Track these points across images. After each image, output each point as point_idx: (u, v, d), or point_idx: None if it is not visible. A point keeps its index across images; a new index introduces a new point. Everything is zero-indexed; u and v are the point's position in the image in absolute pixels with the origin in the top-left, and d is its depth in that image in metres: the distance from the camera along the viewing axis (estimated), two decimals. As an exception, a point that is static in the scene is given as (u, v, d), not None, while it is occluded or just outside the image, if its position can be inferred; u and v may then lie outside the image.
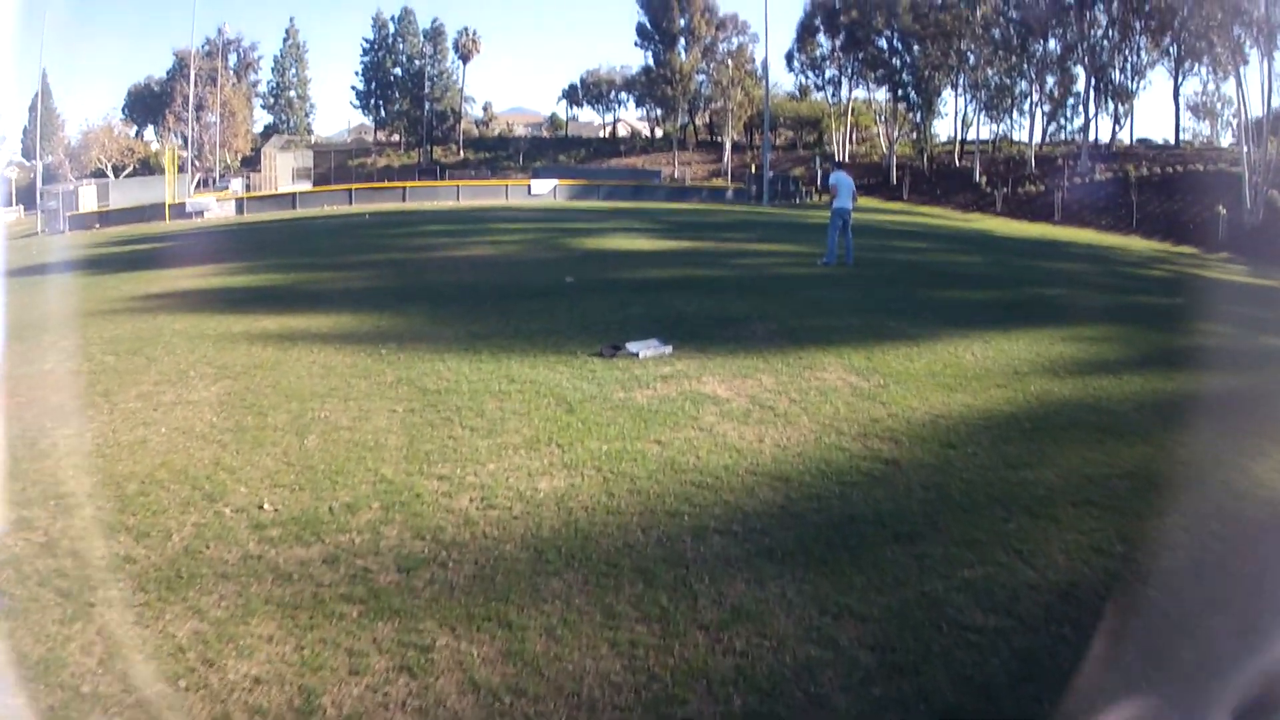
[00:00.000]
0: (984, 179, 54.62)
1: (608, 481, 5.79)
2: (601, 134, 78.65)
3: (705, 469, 6.03)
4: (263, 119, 72.58)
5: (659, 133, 73.27)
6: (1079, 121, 55.00)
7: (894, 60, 60.01)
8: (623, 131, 77.94)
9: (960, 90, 58.85)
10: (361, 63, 71.44)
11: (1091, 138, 54.39)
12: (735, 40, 67.27)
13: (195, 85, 59.26)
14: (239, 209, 43.06)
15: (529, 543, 4.91)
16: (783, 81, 72.26)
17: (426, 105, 70.60)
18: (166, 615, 4.12)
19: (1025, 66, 55.10)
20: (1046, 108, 56.66)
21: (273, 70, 71.10)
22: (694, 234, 24.45)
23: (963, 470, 6.14)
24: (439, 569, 4.63)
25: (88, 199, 48.39)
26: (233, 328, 11.14)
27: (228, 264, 19.30)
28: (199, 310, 12.82)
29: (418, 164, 67.67)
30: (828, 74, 64.59)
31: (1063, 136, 56.90)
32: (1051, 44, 53.61)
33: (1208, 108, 57.88)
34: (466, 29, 70.99)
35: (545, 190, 47.76)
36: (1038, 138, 57.25)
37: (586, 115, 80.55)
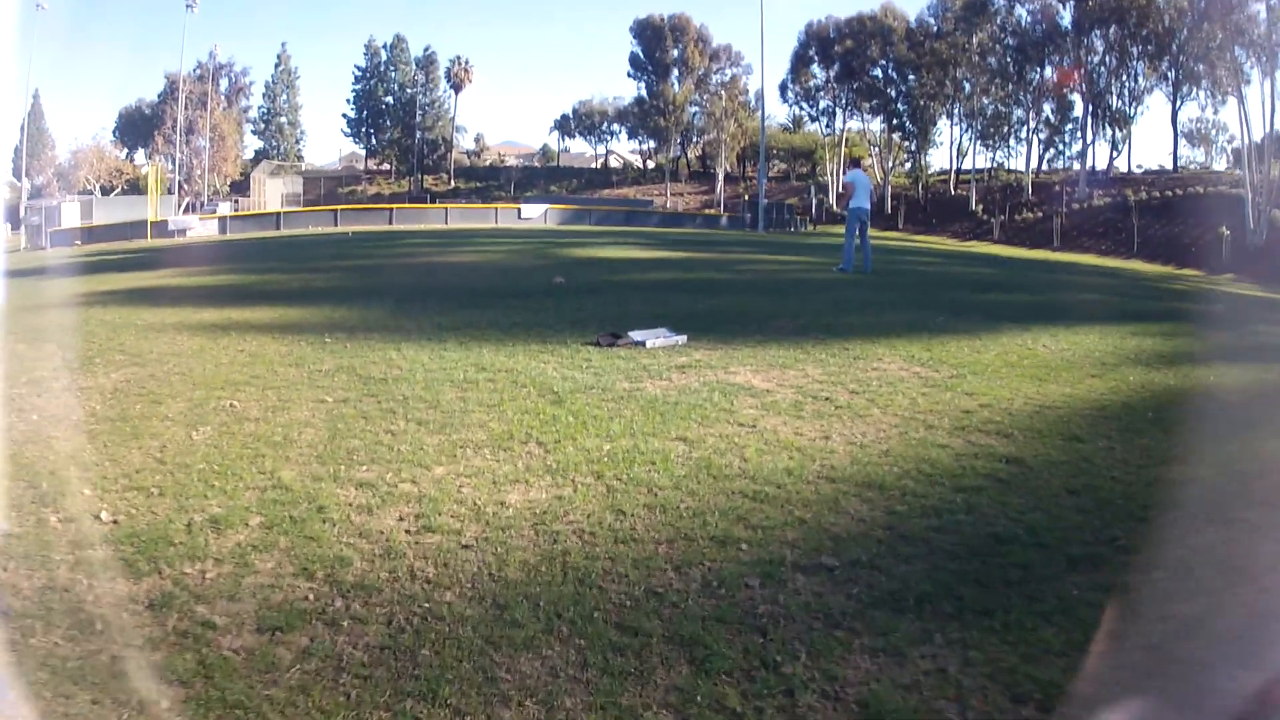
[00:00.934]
0: (980, 207, 53.34)
1: (614, 492, 3.83)
2: (593, 165, 77.29)
3: (758, 474, 4.07)
4: (253, 144, 70.97)
5: (651, 164, 71.95)
6: (1076, 148, 53.90)
7: (889, 90, 58.98)
8: (614, 163, 76.57)
9: (956, 119, 57.70)
10: (353, 90, 70.12)
11: (1089, 164, 53.23)
12: (729, 71, 66.19)
13: (185, 108, 57.68)
14: (222, 228, 41.06)
15: (485, 589, 2.96)
16: (776, 113, 71.06)
17: (418, 134, 69.08)
18: None
19: (1022, 94, 53.99)
20: (1043, 134, 55.56)
21: (264, 96, 69.58)
22: (694, 248, 22.56)
23: (1107, 468, 4.42)
24: (325, 631, 2.66)
25: (70, 216, 46.62)
26: (167, 319, 9.53)
27: (190, 268, 17.37)
28: (137, 304, 11.10)
29: (408, 192, 66.01)
30: (821, 104, 63.48)
31: (1060, 163, 55.78)
32: (1048, 71, 52.50)
33: (1202, 134, 56.85)
34: (459, 58, 69.79)
35: (536, 214, 46.01)
36: (1034, 165, 56.08)
37: (578, 146, 79.33)
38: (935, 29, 55.30)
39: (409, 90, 69.71)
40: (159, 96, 64.01)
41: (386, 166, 71.93)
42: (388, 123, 69.79)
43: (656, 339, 7.15)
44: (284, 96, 69.61)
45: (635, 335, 7.21)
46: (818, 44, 60.92)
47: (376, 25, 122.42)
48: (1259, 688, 1.99)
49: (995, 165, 58.60)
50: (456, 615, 2.74)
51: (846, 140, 63.44)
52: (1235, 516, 3.73)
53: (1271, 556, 3.36)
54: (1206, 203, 43.73)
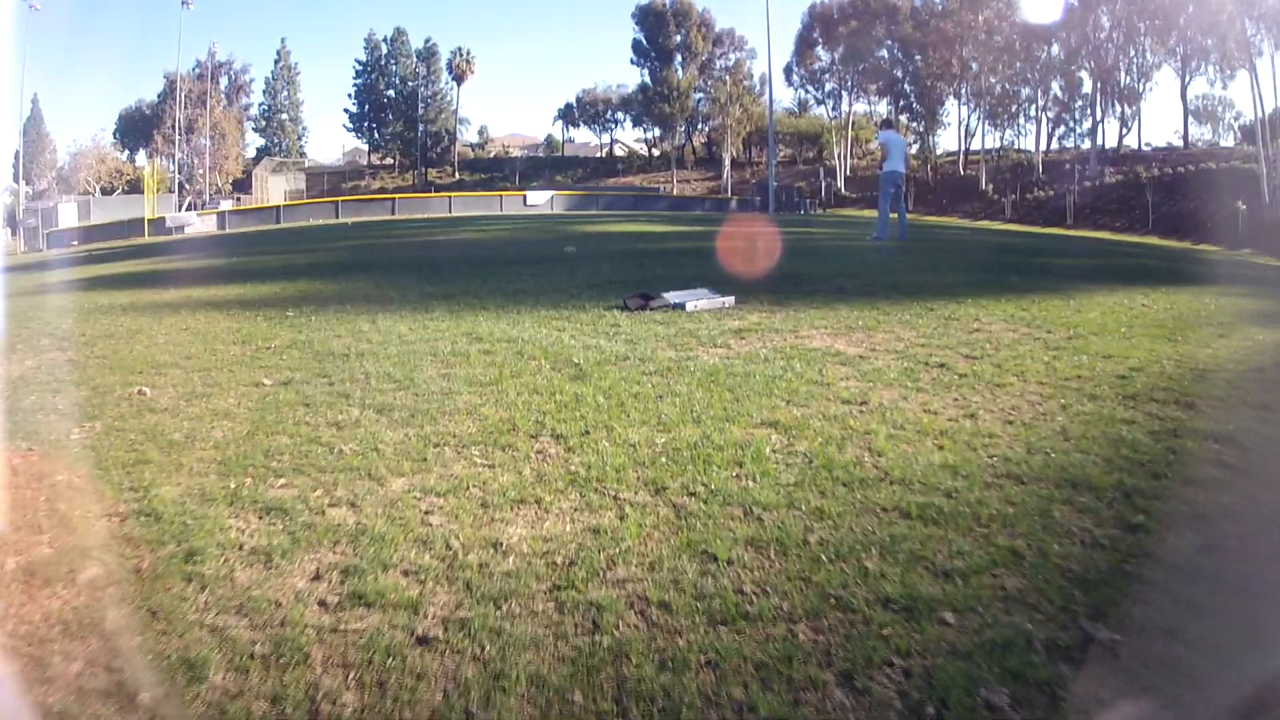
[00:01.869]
0: (990, 187, 51.52)
1: (688, 519, 2.29)
2: (598, 154, 75.38)
3: (908, 475, 2.55)
4: (254, 142, 69.17)
5: (656, 152, 70.09)
6: (1086, 125, 52.09)
7: (895, 71, 57.00)
8: (620, 152, 74.75)
9: (964, 99, 55.74)
10: (354, 85, 68.13)
11: (1099, 142, 51.46)
12: (733, 56, 64.07)
13: (184, 107, 56.14)
14: (220, 223, 39.49)
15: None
16: (781, 97, 68.80)
17: (420, 127, 67.23)
18: None
19: (1030, 73, 52.10)
20: (1052, 113, 53.67)
21: (264, 93, 67.67)
22: (711, 225, 20.90)
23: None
24: None
25: (68, 216, 45.35)
26: (120, 300, 8.24)
27: (171, 256, 15.88)
28: (96, 289, 9.97)
29: (412, 185, 64.32)
30: (827, 87, 61.43)
31: (1070, 142, 53.95)
32: (1055, 48, 50.62)
33: (1209, 110, 54.88)
34: (460, 49, 67.66)
35: (542, 201, 44.32)
36: (1044, 144, 54.20)
37: (583, 136, 77.28)
38: (940, 7, 53.37)
39: (410, 83, 67.79)
40: (159, 96, 62.33)
41: (390, 161, 70.12)
42: (390, 117, 67.91)
43: (698, 300, 5.57)
44: (285, 93, 67.74)
45: (671, 297, 5.64)
46: (822, 26, 58.90)
47: (376, 19, 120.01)
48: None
49: (1005, 145, 56.73)
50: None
51: (852, 123, 61.59)
52: None
53: None
54: (1219, 178, 42.15)
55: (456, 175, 67.37)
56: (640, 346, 4.40)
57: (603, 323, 5.13)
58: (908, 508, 2.27)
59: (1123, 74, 51.09)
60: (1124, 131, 53.56)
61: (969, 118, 57.42)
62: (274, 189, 59.56)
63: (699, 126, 67.38)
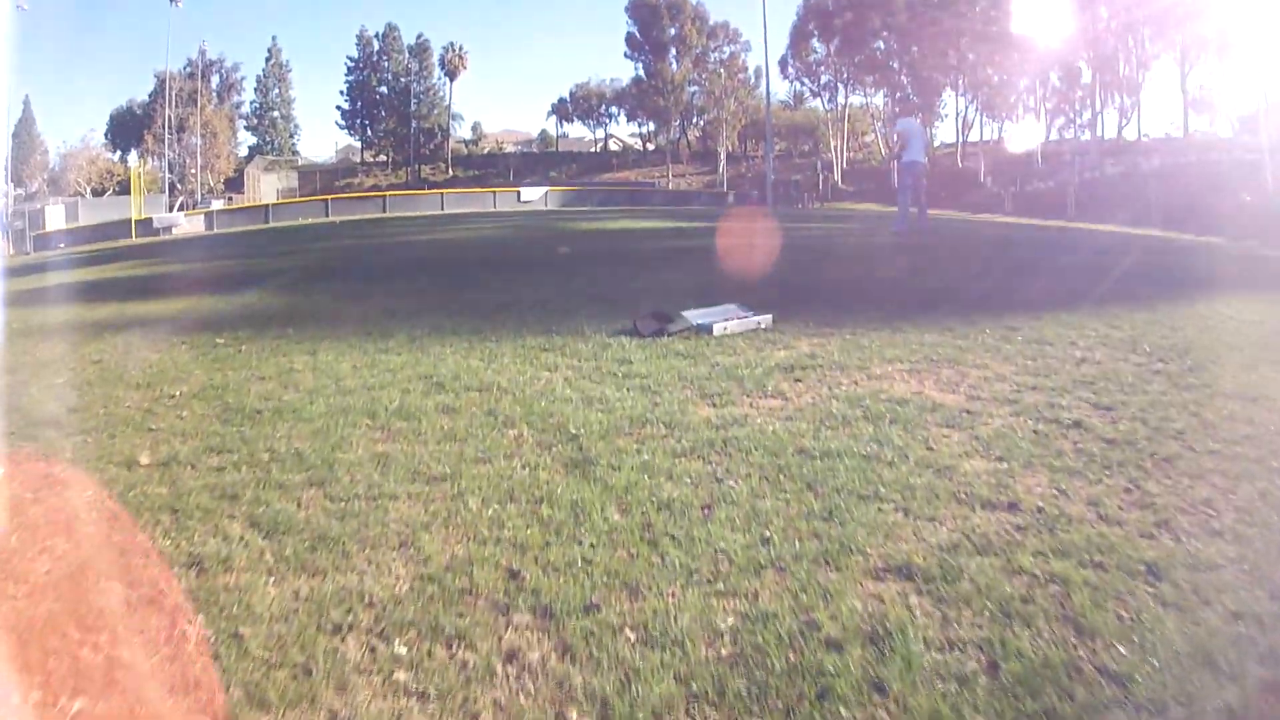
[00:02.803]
0: (990, 179, 50.30)
1: None
2: (593, 149, 73.89)
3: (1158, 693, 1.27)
4: (246, 140, 67.48)
5: (651, 146, 68.68)
6: (1086, 115, 50.88)
7: (891, 62, 55.64)
8: (614, 146, 73.29)
9: (961, 90, 54.42)
10: (346, 82, 66.32)
11: (1098, 132, 50.27)
12: (727, 49, 62.48)
13: (175, 105, 54.64)
14: (209, 223, 38.11)
15: None
16: (776, 90, 67.39)
17: (413, 123, 65.61)
18: None
19: (1027, 64, 50.82)
20: (1050, 104, 52.45)
21: (255, 91, 65.92)
22: (712, 220, 19.64)
23: None
24: None
25: (55, 218, 43.92)
26: (51, 319, 7.02)
27: (139, 261, 14.60)
28: (35, 305, 8.81)
29: (405, 183, 62.80)
30: (823, 79, 59.96)
31: (1070, 133, 52.74)
32: (1054, 39, 49.31)
33: (1208, 101, 53.66)
34: (452, 44, 65.80)
35: (536, 197, 42.89)
36: (1042, 135, 52.98)
37: (577, 131, 75.63)
38: (937, -2, 52.00)
39: (403, 80, 66.11)
40: (150, 96, 60.75)
41: (383, 158, 68.50)
42: (383, 113, 66.23)
43: (727, 321, 4.34)
44: (276, 91, 65.99)
45: (693, 316, 4.41)
46: (817, 17, 57.50)
47: (368, 14, 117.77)
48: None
49: (1003, 135, 55.51)
50: None
51: (849, 116, 60.28)
52: None
53: None
54: (1220, 169, 41.06)
55: (450, 172, 65.95)
56: (663, 399, 3.18)
57: (607, 356, 3.91)
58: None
59: (1121, 64, 49.92)
60: (1123, 123, 52.37)
61: (966, 109, 56.17)
62: (266, 188, 58.16)
63: (694, 120, 65.96)
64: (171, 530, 2.21)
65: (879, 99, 58.29)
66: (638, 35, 62.26)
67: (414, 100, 65.40)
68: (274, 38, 74.06)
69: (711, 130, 63.89)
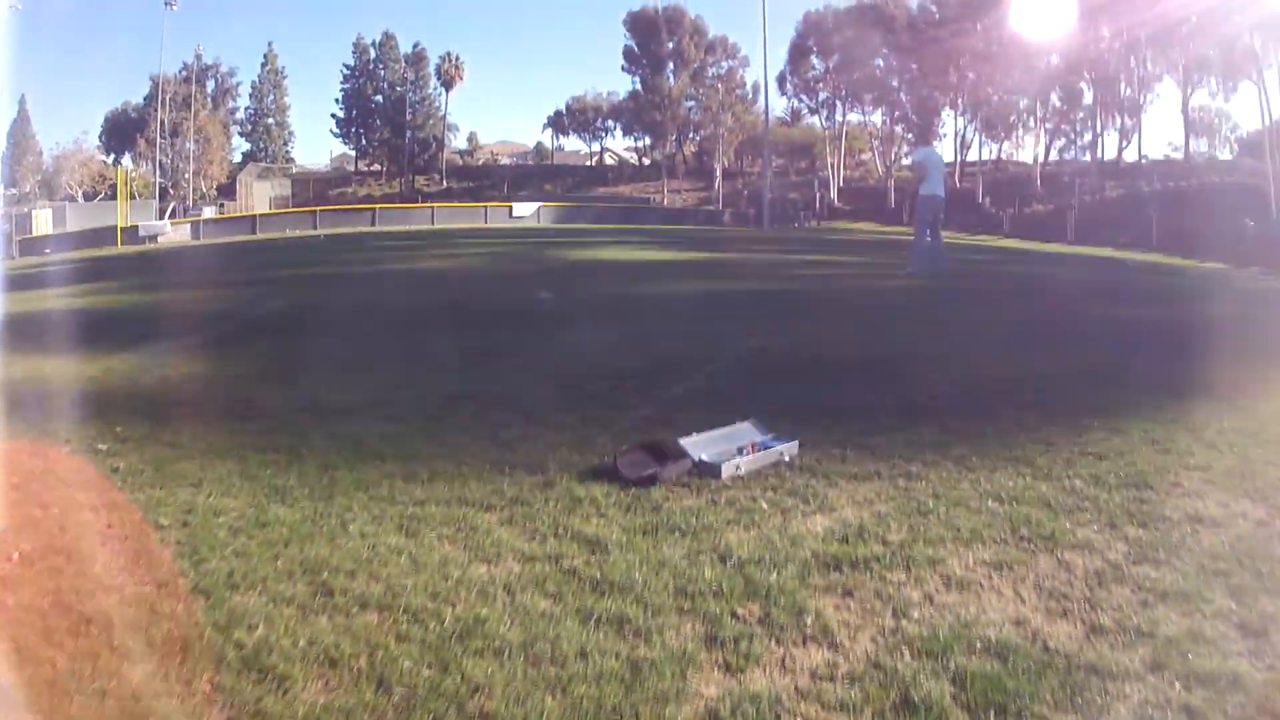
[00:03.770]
0: (988, 200, 49.41)
1: None
2: (588, 163, 72.81)
3: None
4: (240, 146, 66.26)
5: (647, 161, 67.69)
6: (1087, 138, 50.10)
7: (890, 80, 54.87)
8: (610, 160, 72.26)
9: (960, 110, 53.61)
10: (342, 90, 65.11)
11: (1098, 154, 49.51)
12: (725, 64, 61.59)
13: (168, 110, 53.48)
14: (195, 233, 36.94)
15: None
16: (774, 106, 66.39)
17: (408, 133, 64.44)
18: None
19: (1028, 83, 50.08)
20: (1050, 125, 51.67)
21: (250, 97, 64.75)
22: (708, 247, 18.52)
23: None
24: None
25: (42, 223, 42.57)
26: None
27: (98, 284, 13.47)
28: None
29: (399, 193, 61.64)
30: (821, 96, 59.10)
31: (1070, 154, 51.95)
32: (1055, 59, 48.56)
33: (1206, 123, 52.99)
34: (449, 54, 64.64)
35: (529, 213, 41.79)
36: (1042, 156, 52.22)
37: (572, 144, 74.41)
38: (937, 16, 51.25)
39: (399, 89, 65.03)
40: (144, 100, 59.60)
41: (377, 167, 67.30)
42: (378, 122, 65.05)
43: (740, 457, 3.19)
44: (271, 97, 64.83)
45: (695, 447, 3.25)
46: (816, 34, 56.71)
47: (364, 23, 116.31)
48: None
49: (1001, 156, 54.72)
50: None
51: (847, 133, 59.44)
52: None
53: None
54: (1221, 193, 40.23)
55: (444, 183, 64.85)
56: (652, 650, 2.01)
57: (573, 527, 2.74)
58: None
59: (1123, 85, 49.22)
60: (1124, 144, 51.56)
61: (965, 129, 55.36)
62: (259, 194, 57.06)
63: (691, 135, 65.05)
64: None
65: (877, 117, 57.58)
66: (635, 49, 61.26)
67: (409, 110, 64.20)
68: (270, 44, 72.60)
69: (708, 145, 62.92)
